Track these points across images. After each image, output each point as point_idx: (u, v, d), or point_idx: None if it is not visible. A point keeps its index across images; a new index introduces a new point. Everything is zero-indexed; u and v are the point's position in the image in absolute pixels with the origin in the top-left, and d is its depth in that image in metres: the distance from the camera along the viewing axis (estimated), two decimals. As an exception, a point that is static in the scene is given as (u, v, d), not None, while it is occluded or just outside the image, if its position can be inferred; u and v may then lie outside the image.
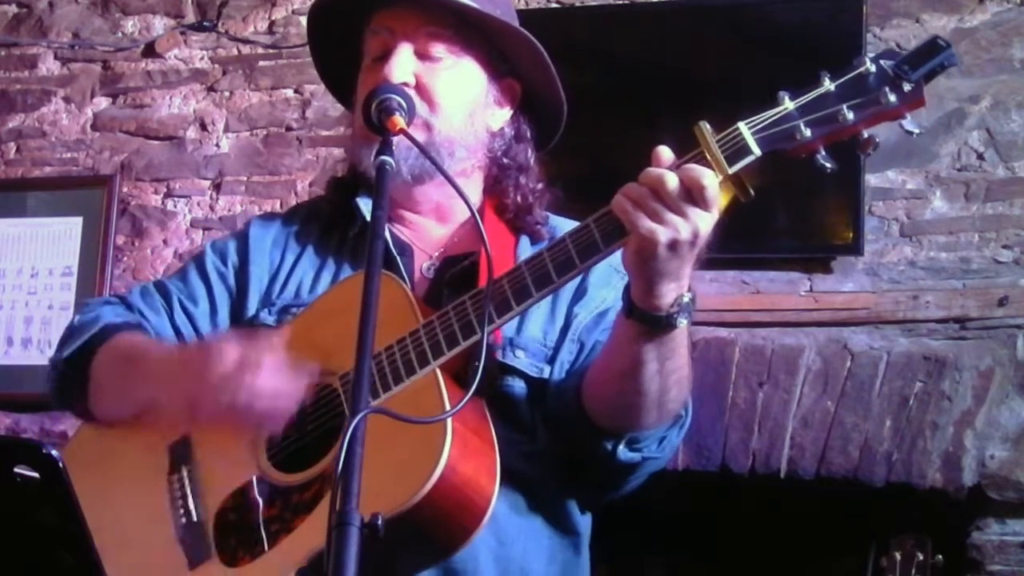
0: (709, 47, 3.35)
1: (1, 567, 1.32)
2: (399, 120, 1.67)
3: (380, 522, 1.15)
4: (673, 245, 1.48)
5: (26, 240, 3.74)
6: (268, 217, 2.06)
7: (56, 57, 3.92)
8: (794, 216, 3.20)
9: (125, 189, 3.73)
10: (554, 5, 3.51)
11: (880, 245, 3.13)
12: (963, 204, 3.11)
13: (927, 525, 2.50)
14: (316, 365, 1.63)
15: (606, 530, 1.90)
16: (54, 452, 1.22)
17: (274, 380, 1.58)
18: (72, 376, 1.85)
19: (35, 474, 1.22)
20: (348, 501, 1.15)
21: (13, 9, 3.97)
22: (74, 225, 3.72)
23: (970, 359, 2.97)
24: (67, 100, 3.87)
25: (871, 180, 3.13)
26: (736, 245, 3.10)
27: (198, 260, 1.99)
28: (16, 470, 1.22)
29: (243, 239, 1.98)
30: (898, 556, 2.38)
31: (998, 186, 3.10)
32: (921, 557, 2.36)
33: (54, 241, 3.72)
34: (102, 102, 3.85)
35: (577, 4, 3.49)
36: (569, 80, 1.92)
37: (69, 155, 3.82)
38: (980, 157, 3.11)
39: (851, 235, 3.12)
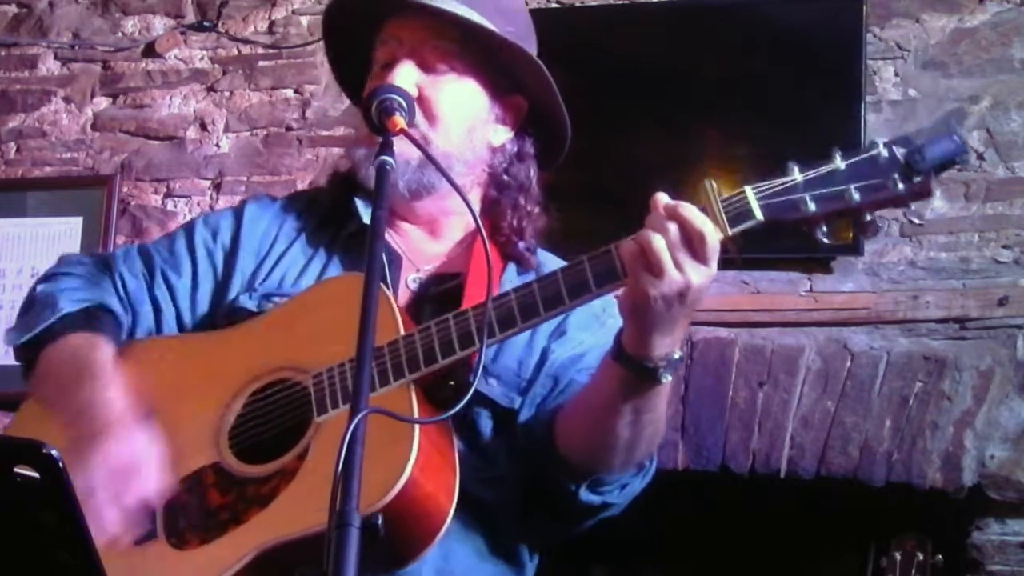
0: (708, 47, 3.34)
1: (1, 567, 1.32)
2: (399, 120, 1.66)
3: (380, 522, 1.15)
4: (667, 297, 1.50)
5: (26, 240, 3.74)
6: (266, 200, 2.02)
7: (56, 57, 3.93)
8: (794, 216, 3.19)
9: (125, 189, 3.73)
10: (554, 5, 3.51)
11: (880, 245, 3.13)
12: (963, 204, 3.10)
13: (927, 525, 2.49)
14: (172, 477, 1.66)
15: (604, 530, 1.90)
16: (54, 452, 1.22)
17: (138, 487, 1.63)
18: (26, 360, 1.90)
19: (35, 474, 1.22)
20: (348, 501, 1.16)
21: (13, 9, 3.98)
22: (74, 225, 3.72)
23: (970, 359, 2.97)
24: (67, 100, 3.87)
25: (871, 180, 3.13)
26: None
27: (188, 231, 1.97)
28: (16, 470, 1.22)
29: (238, 219, 1.95)
30: (898, 556, 2.37)
31: (998, 186, 3.10)
32: (921, 557, 2.36)
33: (54, 241, 3.71)
34: (102, 102, 3.85)
35: (577, 4, 3.49)
36: (568, 81, 1.92)
37: (69, 155, 3.82)
38: (980, 157, 3.11)
39: (851, 235, 3.09)
